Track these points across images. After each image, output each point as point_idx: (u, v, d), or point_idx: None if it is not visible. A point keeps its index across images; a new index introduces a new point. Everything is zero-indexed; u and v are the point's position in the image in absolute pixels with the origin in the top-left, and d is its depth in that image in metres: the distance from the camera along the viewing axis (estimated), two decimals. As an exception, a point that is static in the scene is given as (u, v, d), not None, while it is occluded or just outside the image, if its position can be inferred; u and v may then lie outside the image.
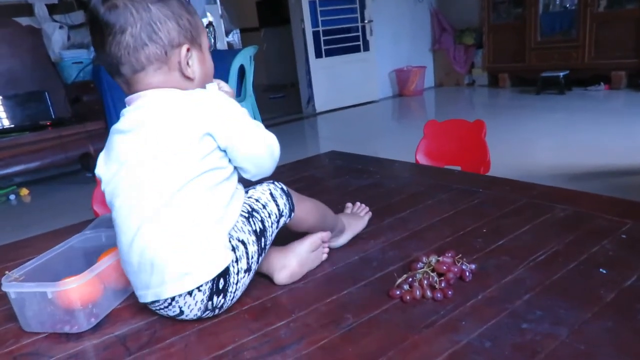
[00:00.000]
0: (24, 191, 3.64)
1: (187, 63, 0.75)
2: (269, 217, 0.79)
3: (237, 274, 0.73)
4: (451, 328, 0.64)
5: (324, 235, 0.88)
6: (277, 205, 0.80)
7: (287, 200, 0.82)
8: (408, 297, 0.71)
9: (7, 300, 0.74)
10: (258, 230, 0.77)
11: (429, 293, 0.71)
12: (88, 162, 3.80)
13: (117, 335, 0.72)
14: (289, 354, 0.62)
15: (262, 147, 0.77)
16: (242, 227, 0.76)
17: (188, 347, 0.67)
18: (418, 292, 0.71)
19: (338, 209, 1.12)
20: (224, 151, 0.74)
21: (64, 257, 0.84)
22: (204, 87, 0.80)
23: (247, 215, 0.77)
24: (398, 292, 0.72)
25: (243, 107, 0.80)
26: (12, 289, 0.73)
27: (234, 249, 0.73)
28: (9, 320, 0.78)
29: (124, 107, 0.76)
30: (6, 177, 3.57)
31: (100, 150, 0.79)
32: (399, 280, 0.74)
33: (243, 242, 0.75)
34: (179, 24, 0.74)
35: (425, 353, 0.59)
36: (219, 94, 0.77)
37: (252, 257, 0.76)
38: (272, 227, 0.79)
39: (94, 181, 1.45)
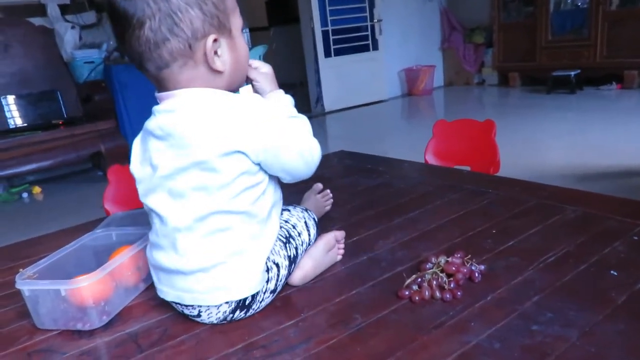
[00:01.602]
0: (37, 189, 3.69)
1: (216, 53, 0.68)
2: (302, 245, 0.81)
3: (264, 293, 0.74)
4: (460, 329, 0.64)
5: (338, 234, 0.88)
6: (309, 235, 0.83)
7: (316, 231, 0.85)
8: (417, 298, 0.71)
9: (21, 297, 0.75)
10: (292, 256, 0.78)
11: (438, 294, 0.71)
12: (99, 160, 3.83)
13: (129, 333, 0.73)
14: (298, 353, 0.63)
15: (297, 158, 0.72)
16: (279, 251, 0.76)
17: (199, 345, 0.68)
18: (427, 293, 0.71)
19: (346, 208, 1.13)
20: (258, 164, 0.71)
21: (75, 255, 0.85)
22: (236, 80, 0.74)
23: (284, 240, 0.78)
24: (407, 293, 0.72)
25: (287, 95, 0.80)
26: (26, 287, 0.74)
27: (268, 270, 0.74)
28: (22, 317, 0.80)
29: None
30: (19, 175, 3.61)
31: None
32: (408, 281, 0.74)
33: (277, 265, 0.75)
34: (202, 11, 0.65)
35: (434, 354, 0.59)
36: (252, 103, 0.70)
37: (281, 280, 0.76)
38: (301, 254, 0.81)
39: (105, 180, 1.47)
